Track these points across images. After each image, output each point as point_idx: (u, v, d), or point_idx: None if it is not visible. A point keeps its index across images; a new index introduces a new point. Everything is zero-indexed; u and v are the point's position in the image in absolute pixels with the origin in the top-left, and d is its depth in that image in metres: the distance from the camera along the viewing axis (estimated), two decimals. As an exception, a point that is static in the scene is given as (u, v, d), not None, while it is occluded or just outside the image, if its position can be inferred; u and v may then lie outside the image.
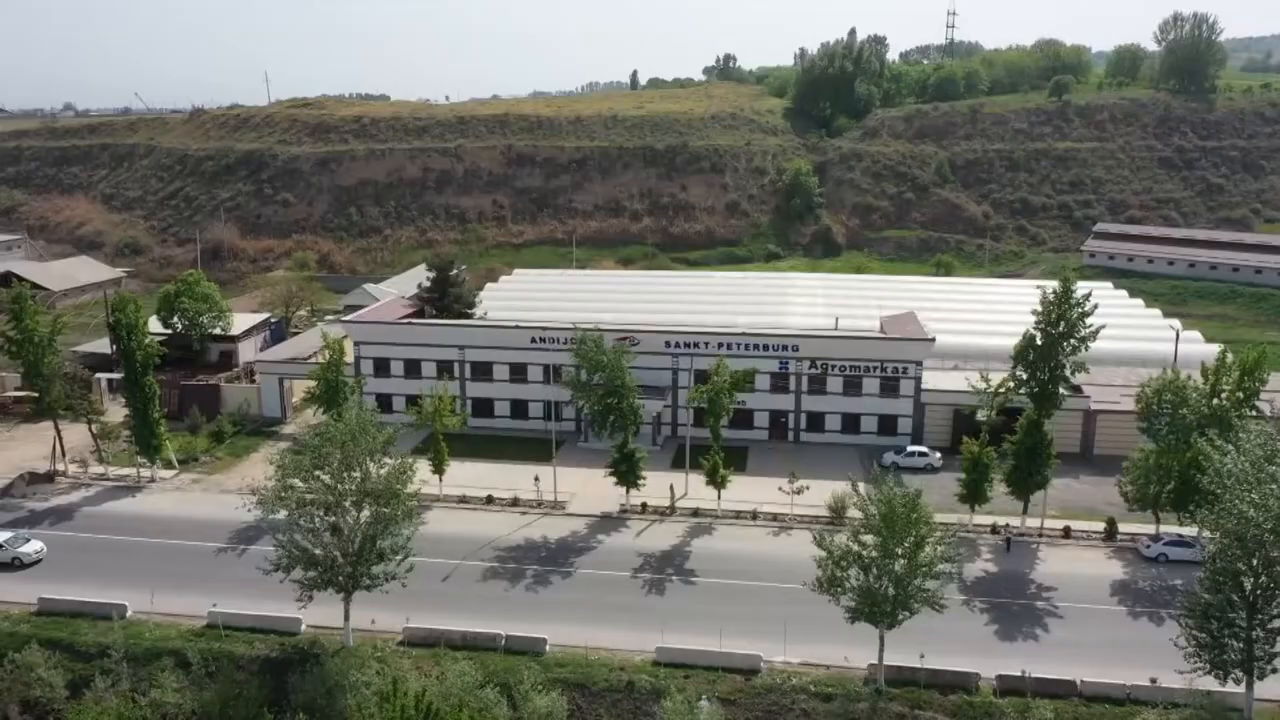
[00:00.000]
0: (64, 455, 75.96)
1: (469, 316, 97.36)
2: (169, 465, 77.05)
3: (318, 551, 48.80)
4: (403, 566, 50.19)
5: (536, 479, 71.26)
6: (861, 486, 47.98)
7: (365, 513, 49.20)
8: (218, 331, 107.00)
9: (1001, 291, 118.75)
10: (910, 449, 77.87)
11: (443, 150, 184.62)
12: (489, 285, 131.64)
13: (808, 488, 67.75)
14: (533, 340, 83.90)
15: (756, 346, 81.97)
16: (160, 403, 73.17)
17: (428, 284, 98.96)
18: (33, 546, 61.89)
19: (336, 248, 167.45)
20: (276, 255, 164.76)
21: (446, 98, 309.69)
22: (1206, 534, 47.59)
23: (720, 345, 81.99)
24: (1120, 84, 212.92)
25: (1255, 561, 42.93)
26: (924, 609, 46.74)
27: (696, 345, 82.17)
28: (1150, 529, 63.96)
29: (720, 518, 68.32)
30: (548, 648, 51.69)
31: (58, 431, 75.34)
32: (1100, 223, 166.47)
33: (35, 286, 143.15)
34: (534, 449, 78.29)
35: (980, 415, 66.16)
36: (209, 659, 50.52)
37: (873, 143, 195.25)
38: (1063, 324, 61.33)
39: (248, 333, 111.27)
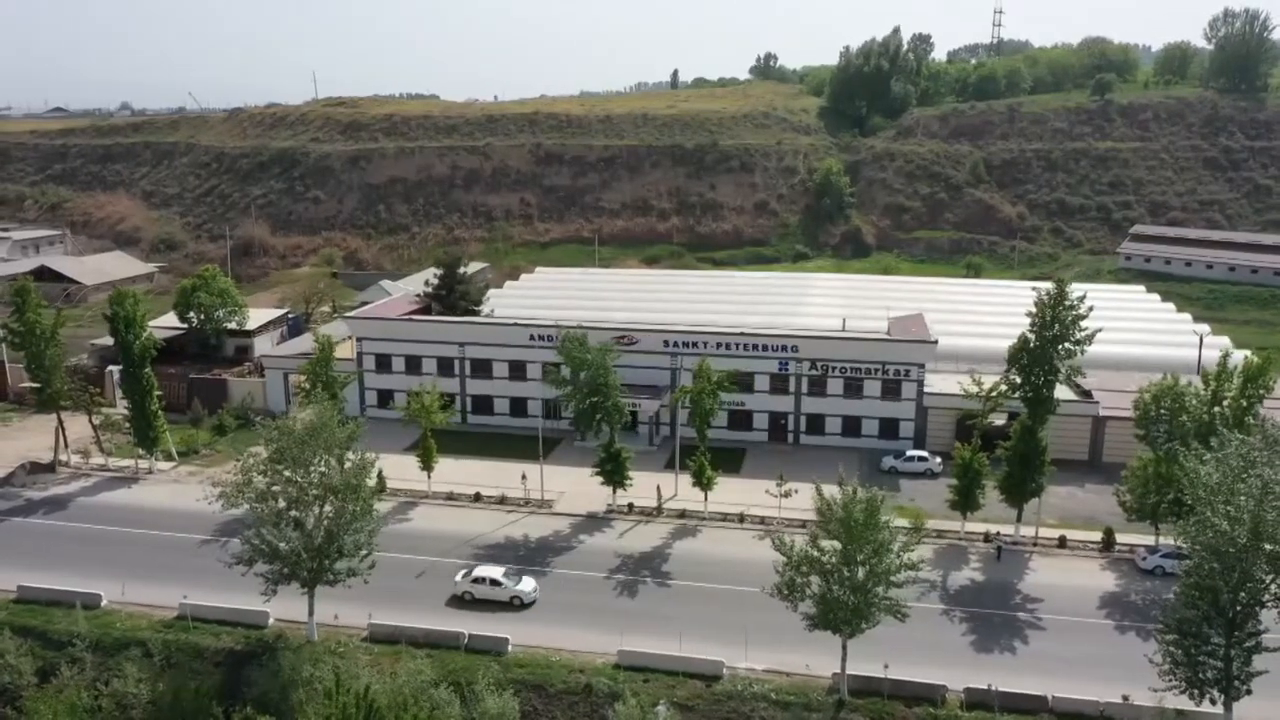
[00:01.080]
0: (66, 446, 77.19)
1: (475, 313, 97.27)
2: (169, 457, 77.96)
3: (282, 545, 48.76)
4: (365, 563, 50.11)
5: (523, 477, 70.78)
6: (825, 489, 46.62)
7: (329, 508, 49.10)
8: (233, 326, 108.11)
9: (1029, 294, 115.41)
10: (910, 453, 76.06)
11: (471, 148, 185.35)
12: (508, 283, 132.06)
13: (795, 491, 66.31)
14: (530, 338, 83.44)
15: (755, 347, 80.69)
16: (156, 396, 73.94)
17: (435, 281, 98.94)
18: (528, 585, 56.34)
19: (364, 245, 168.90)
20: (305, 252, 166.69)
21: (495, 97, 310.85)
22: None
23: (719, 345, 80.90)
24: (1168, 83, 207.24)
25: (1233, 577, 40.94)
26: (890, 618, 45.36)
27: (695, 345, 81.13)
28: (1150, 540, 61.67)
29: (706, 520, 67.26)
30: (510, 648, 51.12)
31: (60, 422, 76.57)
32: (1138, 224, 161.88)
33: (67, 280, 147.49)
34: (532, 447, 77.31)
35: (974, 419, 64.27)
36: (171, 650, 50.81)
37: (907, 142, 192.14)
38: (1056, 326, 59.27)
39: (264, 328, 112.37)
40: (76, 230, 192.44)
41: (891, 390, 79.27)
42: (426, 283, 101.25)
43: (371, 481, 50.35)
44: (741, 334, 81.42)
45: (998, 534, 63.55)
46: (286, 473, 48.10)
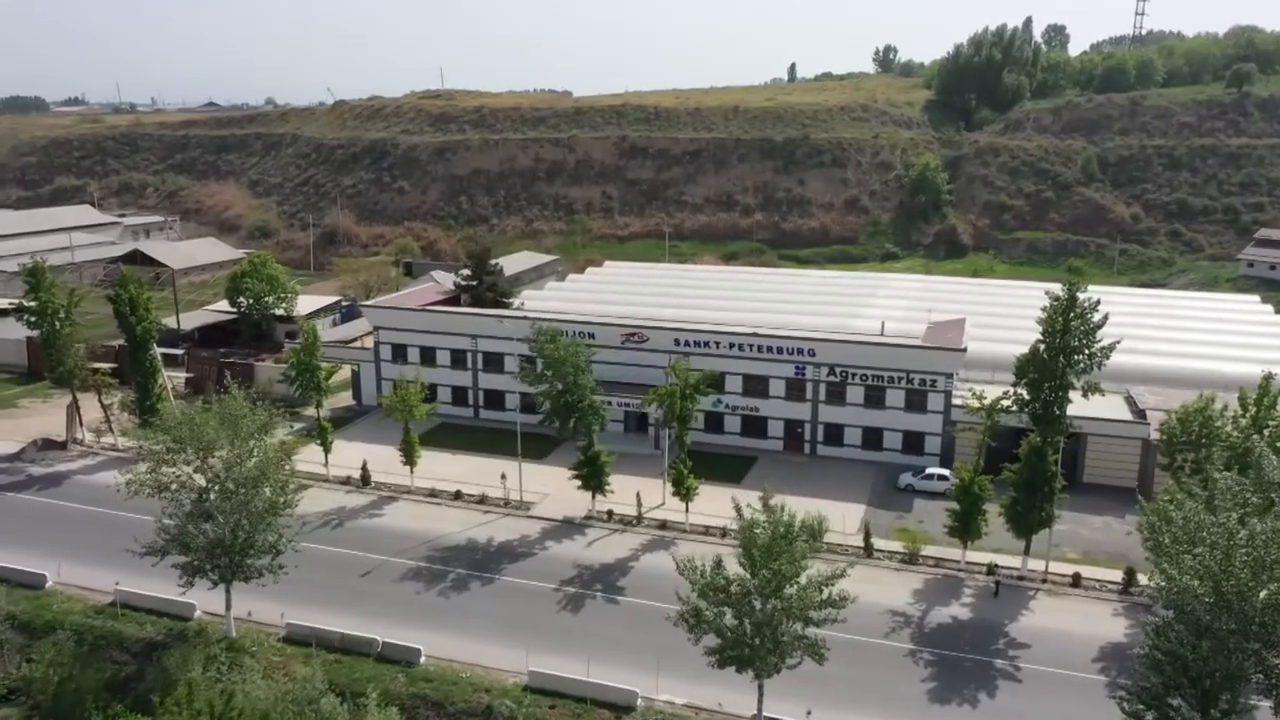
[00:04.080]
0: (81, 424, 78.62)
1: (505, 306, 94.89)
2: (178, 439, 78.33)
3: (193, 530, 46.98)
4: (278, 561, 48.01)
5: (503, 477, 67.75)
6: (745, 507, 41.70)
7: (237, 501, 47.10)
8: (280, 312, 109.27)
9: (1126, 301, 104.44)
10: (929, 471, 69.35)
11: (556, 140, 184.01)
12: (571, 276, 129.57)
13: (782, 507, 60.81)
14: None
15: (770, 349, 75.32)
16: (162, 377, 74.47)
17: (467, 272, 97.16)
18: None
19: (444, 235, 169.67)
20: (387, 241, 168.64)
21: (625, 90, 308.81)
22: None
23: (731, 346, 75.97)
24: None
25: (1203, 644, 34.07)
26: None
27: (706, 344, 76.44)
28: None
29: (687, 532, 62.65)
30: (423, 659, 48.10)
31: (75, 401, 78.00)
32: (1264, 229, 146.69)
33: (157, 264, 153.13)
34: (538, 444, 73.95)
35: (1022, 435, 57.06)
36: (94, 637, 49.93)
37: (1014, 136, 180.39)
38: (1066, 336, 52.16)
39: (314, 314, 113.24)
40: (188, 217, 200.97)
41: (916, 401, 72.59)
42: (457, 273, 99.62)
43: (286, 475, 48.06)
44: (755, 334, 76.12)
45: (996, 567, 56.61)
46: (185, 464, 46.34)
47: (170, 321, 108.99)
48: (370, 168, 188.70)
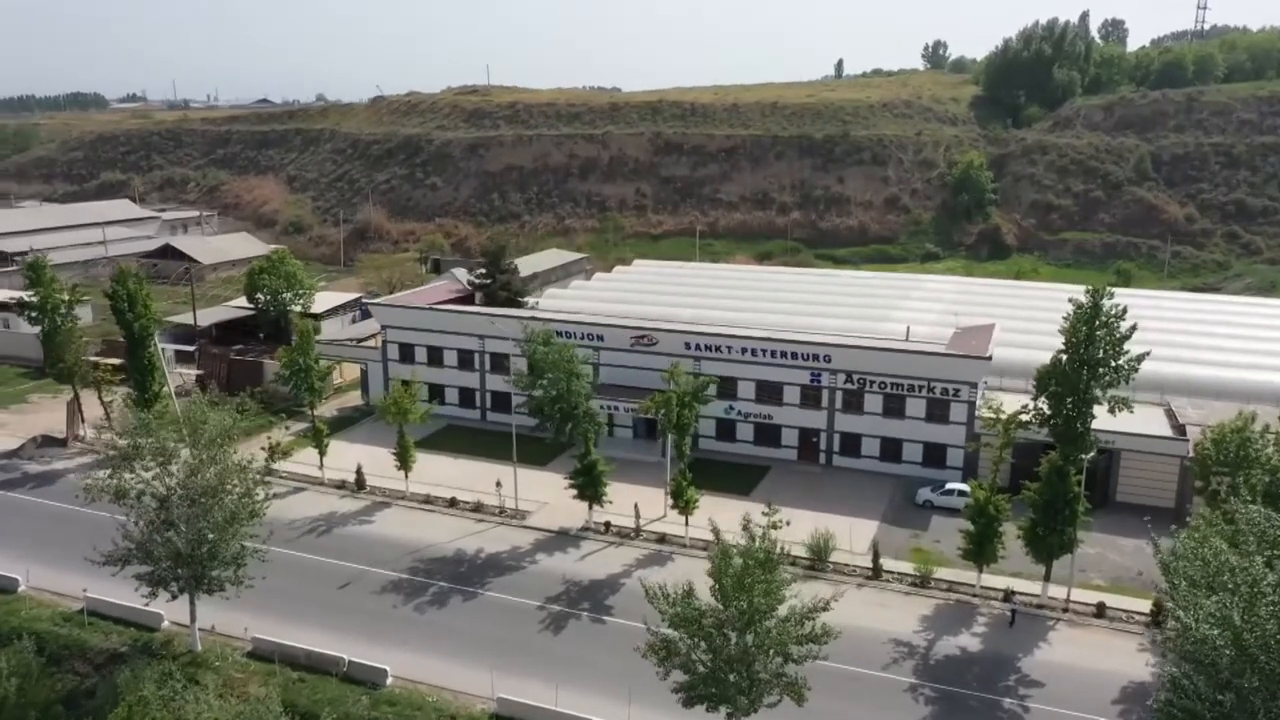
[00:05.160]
0: (83, 421, 77.54)
1: (519, 305, 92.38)
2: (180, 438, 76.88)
3: (157, 539, 44.95)
4: (240, 572, 45.83)
5: (498, 484, 65.14)
6: (726, 530, 38.51)
7: (197, 510, 44.95)
8: (297, 309, 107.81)
9: (1175, 306, 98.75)
10: (949, 486, 65.27)
11: (589, 137, 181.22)
12: (598, 275, 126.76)
13: (787, 523, 57.32)
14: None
15: (784, 354, 71.73)
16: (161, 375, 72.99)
17: (482, 270, 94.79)
18: None
19: (475, 232, 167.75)
20: (418, 238, 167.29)
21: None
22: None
23: (744, 350, 72.57)
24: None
25: (1225, 699, 30.17)
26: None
27: (718, 348, 73.11)
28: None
29: (687, 547, 59.39)
30: (389, 680, 45.51)
31: (76, 397, 76.94)
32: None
33: (188, 259, 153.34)
34: (541, 450, 70.66)
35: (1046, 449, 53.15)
36: (59, 647, 48.15)
37: (1063, 134, 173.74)
38: (1090, 347, 48.02)
39: (332, 311, 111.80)
40: (226, 212, 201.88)
41: (937, 412, 68.55)
42: (470, 271, 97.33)
43: (250, 484, 45.77)
44: (768, 339, 72.58)
45: (1013, 593, 52.57)
46: (143, 470, 44.29)
47: (187, 318, 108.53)
48: (404, 163, 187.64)
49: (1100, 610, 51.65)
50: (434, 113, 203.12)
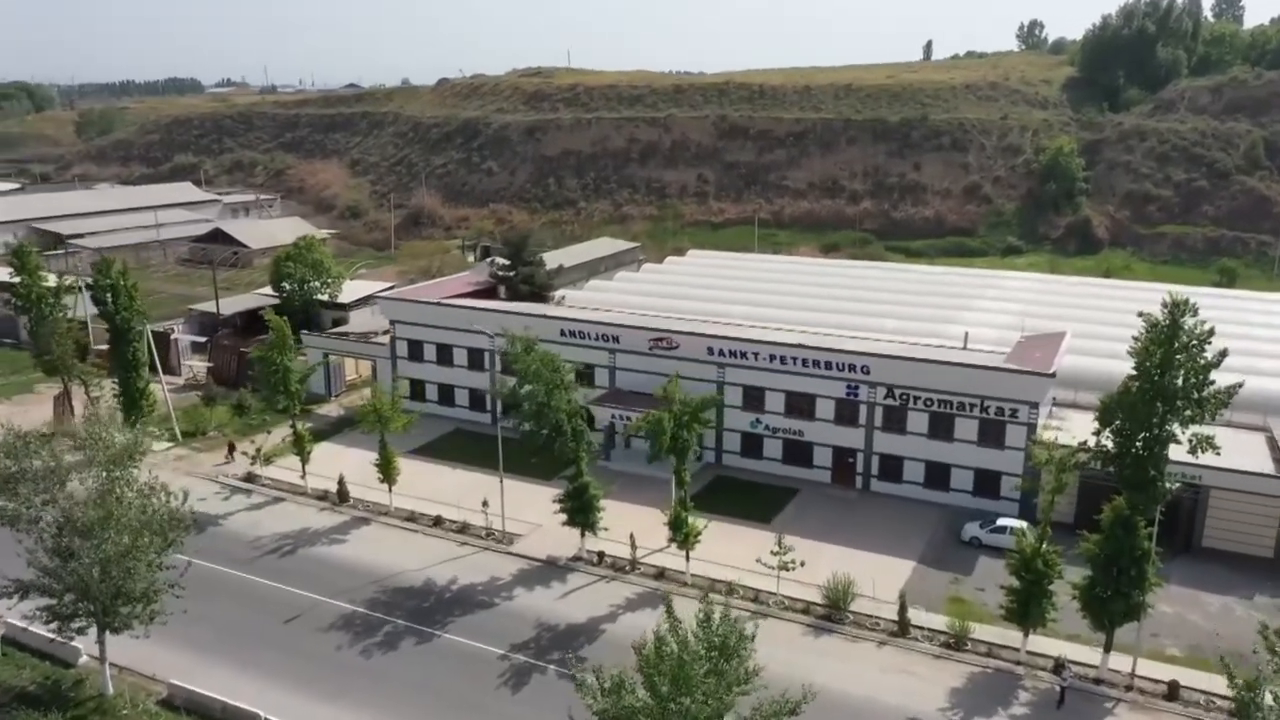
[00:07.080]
0: (73, 416, 73.49)
1: (543, 300, 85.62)
2: (171, 437, 72.52)
3: (61, 571, 39.51)
4: (153, 609, 40.09)
5: (484, 504, 58.52)
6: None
7: (98, 540, 39.21)
8: (324, 298, 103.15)
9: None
10: (1001, 522, 56.13)
11: (651, 120, 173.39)
12: (647, 266, 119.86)
13: (801, 563, 49.52)
14: (561, 334, 70.56)
15: (817, 364, 63.33)
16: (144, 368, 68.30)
17: (504, 261, 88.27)
18: None
19: (529, 219, 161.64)
20: (470, 224, 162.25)
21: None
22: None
23: (771, 358, 64.44)
24: None
25: None
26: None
27: (744, 355, 65.15)
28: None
29: (687, 587, 51.71)
30: (308, 744, 39.30)
31: (65, 391, 73.04)
32: None
33: (235, 243, 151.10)
34: (544, 463, 62.87)
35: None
36: (-42, 682, 43.21)
37: (1165, 118, 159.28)
38: (1169, 372, 38.84)
39: (362, 301, 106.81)
40: (290, 195, 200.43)
41: (991, 434, 59.36)
42: (492, 262, 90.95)
43: (152, 518, 39.80)
44: (800, 346, 64.20)
45: (1065, 664, 43.56)
46: (34, 495, 38.75)
47: (208, 306, 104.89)
48: (461, 147, 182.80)
49: (1173, 691, 42.42)
50: (495, 95, 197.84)
